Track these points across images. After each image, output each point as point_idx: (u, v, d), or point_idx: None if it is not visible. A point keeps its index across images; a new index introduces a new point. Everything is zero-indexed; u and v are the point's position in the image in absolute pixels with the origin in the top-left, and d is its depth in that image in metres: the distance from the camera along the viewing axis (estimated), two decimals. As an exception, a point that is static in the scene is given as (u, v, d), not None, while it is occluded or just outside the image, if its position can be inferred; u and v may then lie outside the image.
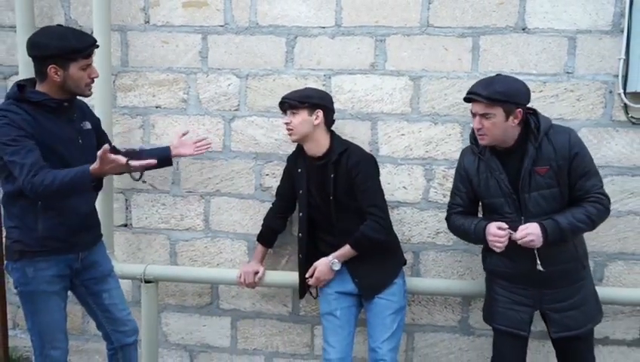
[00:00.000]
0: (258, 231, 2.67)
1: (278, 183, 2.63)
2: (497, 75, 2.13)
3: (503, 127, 2.00)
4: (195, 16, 2.74)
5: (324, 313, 2.42)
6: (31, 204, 2.03)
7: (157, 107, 2.83)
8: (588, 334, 2.15)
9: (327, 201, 2.31)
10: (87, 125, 2.24)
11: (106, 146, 1.93)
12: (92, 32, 2.47)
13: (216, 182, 2.84)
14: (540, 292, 2.10)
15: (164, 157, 2.44)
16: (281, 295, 2.87)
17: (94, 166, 1.92)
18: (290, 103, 2.29)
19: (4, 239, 2.95)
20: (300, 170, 2.40)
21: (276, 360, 2.95)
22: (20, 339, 3.13)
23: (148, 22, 2.78)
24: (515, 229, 2.00)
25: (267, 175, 2.79)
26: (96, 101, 2.61)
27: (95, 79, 2.12)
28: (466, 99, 2.08)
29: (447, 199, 2.62)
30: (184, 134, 2.59)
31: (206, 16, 2.73)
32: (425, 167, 2.67)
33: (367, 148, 2.67)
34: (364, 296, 2.36)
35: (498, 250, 2.03)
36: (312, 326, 2.86)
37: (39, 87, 2.04)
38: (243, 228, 2.85)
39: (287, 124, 2.32)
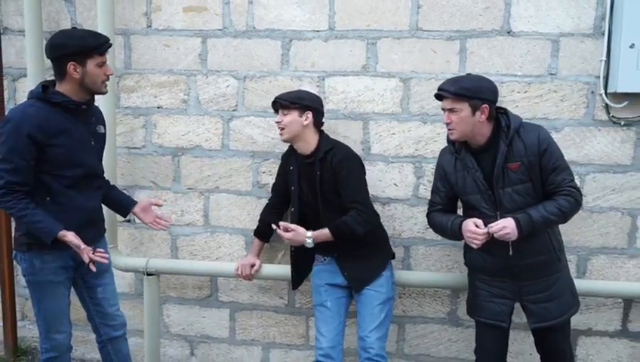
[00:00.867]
0: (255, 227, 2.79)
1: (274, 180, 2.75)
2: (467, 74, 2.24)
3: (470, 121, 2.10)
4: (194, 21, 2.85)
5: (316, 304, 2.53)
6: (39, 199, 2.15)
7: (158, 107, 2.95)
8: (564, 324, 2.25)
9: (316, 197, 2.42)
10: (102, 129, 2.37)
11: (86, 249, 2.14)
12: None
13: (215, 180, 2.95)
14: (518, 284, 2.20)
15: (124, 208, 2.52)
16: (278, 288, 2.97)
17: (64, 234, 2.12)
18: (282, 103, 2.40)
19: (12, 233, 3.11)
20: (292, 168, 2.52)
21: (273, 350, 3.05)
22: (28, 330, 3.25)
23: (150, 26, 2.90)
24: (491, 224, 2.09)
25: (264, 172, 2.90)
26: (100, 102, 2.71)
27: (108, 80, 2.25)
28: (436, 96, 2.19)
29: (436, 196, 2.74)
30: (157, 205, 2.54)
31: (205, 20, 2.84)
32: (415, 164, 2.78)
33: (359, 147, 2.78)
34: (352, 288, 2.46)
35: (475, 246, 2.12)
36: (307, 318, 2.97)
37: (59, 88, 2.17)
38: (241, 224, 2.96)
39: (278, 123, 2.43)
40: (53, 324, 2.30)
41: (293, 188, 2.51)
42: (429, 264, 2.84)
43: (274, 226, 2.38)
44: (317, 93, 2.63)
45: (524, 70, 2.64)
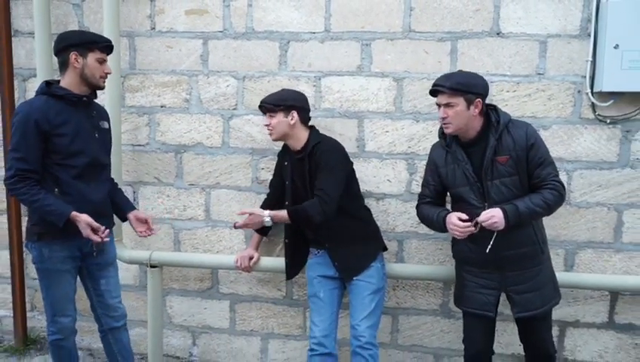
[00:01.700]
0: (254, 221, 2.90)
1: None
2: (459, 70, 2.34)
3: (465, 115, 2.20)
4: (196, 23, 2.96)
5: (310, 295, 2.64)
6: (48, 190, 2.27)
7: (162, 106, 3.06)
8: (546, 315, 2.33)
9: (307, 191, 2.51)
10: (105, 125, 2.50)
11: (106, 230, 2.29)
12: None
13: (216, 176, 3.06)
14: (503, 275, 2.29)
15: (121, 209, 2.61)
16: (276, 280, 3.08)
17: (76, 215, 2.24)
18: (267, 107, 2.50)
19: (23, 227, 3.23)
20: (286, 164, 2.62)
21: (271, 340, 3.16)
22: (38, 320, 3.38)
23: (154, 28, 3.01)
24: (478, 215, 2.18)
25: (262, 169, 3.01)
26: (106, 101, 2.85)
27: (106, 80, 2.40)
28: (431, 92, 2.29)
29: (428, 191, 2.84)
30: (147, 221, 2.56)
31: (206, 22, 2.95)
32: (408, 161, 2.87)
33: (354, 145, 2.89)
34: (342, 278, 2.56)
35: (459, 237, 2.23)
36: (305, 309, 3.07)
37: (62, 83, 2.33)
38: (240, 218, 3.05)
39: (267, 125, 2.54)
40: (59, 309, 2.42)
41: (287, 183, 2.62)
42: (421, 257, 2.93)
43: (235, 224, 2.49)
44: (311, 92, 2.72)
45: (513, 70, 2.73)
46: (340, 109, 2.89)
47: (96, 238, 2.27)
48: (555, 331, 2.86)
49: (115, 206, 2.58)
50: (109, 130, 2.53)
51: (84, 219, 2.25)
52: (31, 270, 3.34)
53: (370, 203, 2.87)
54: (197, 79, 3.00)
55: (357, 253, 2.55)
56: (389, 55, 2.82)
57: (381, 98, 2.85)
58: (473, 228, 2.19)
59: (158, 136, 3.08)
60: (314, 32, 2.86)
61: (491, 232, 2.20)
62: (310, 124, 2.62)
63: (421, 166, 2.85)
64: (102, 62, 2.33)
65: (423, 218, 2.43)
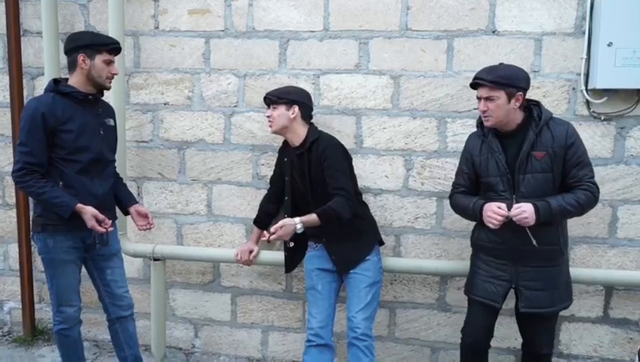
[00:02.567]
0: (254, 216, 2.96)
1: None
2: (500, 63, 2.33)
3: (505, 108, 2.21)
4: (199, 23, 3.03)
5: (308, 288, 2.70)
6: (54, 184, 2.35)
7: (165, 104, 3.14)
8: (551, 316, 2.35)
9: (306, 186, 2.58)
10: (111, 122, 2.58)
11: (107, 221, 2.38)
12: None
13: (217, 171, 3.14)
14: (517, 269, 2.30)
15: (122, 203, 2.68)
16: (276, 274, 3.14)
17: (81, 207, 2.33)
18: (271, 99, 2.58)
19: (30, 223, 3.32)
20: (285, 160, 2.68)
21: (271, 333, 3.22)
22: (45, 312, 3.47)
23: (157, 27, 3.09)
24: (508, 208, 2.19)
25: (263, 165, 3.07)
26: (111, 98, 2.92)
27: (112, 81, 2.47)
28: (472, 85, 2.30)
29: (424, 187, 2.90)
30: (147, 215, 2.63)
31: (208, 22, 3.02)
32: (405, 157, 2.92)
33: (352, 141, 2.94)
34: (339, 271, 2.62)
35: (493, 227, 2.20)
36: (304, 303, 3.13)
37: (70, 81, 2.42)
38: (241, 213, 3.13)
39: (268, 116, 2.60)
40: (64, 298, 2.50)
41: (286, 178, 2.68)
42: (418, 252, 2.98)
43: (264, 238, 2.49)
44: (310, 89, 2.78)
45: (508, 68, 2.77)
46: (339, 106, 2.95)
47: (100, 229, 2.35)
48: (550, 325, 2.91)
49: (118, 200, 2.65)
50: (114, 127, 2.61)
51: (89, 210, 2.34)
52: (39, 263, 3.44)
53: (367, 198, 2.93)
54: (199, 77, 3.08)
55: (354, 246, 2.61)
56: (387, 53, 2.87)
57: (379, 95, 2.90)
58: (505, 219, 2.18)
59: (162, 133, 3.16)
60: (313, 31, 2.92)
61: (518, 227, 2.19)
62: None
63: (418, 162, 2.91)
64: (109, 63, 2.41)
65: (457, 206, 2.43)
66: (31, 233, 2.55)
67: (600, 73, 2.61)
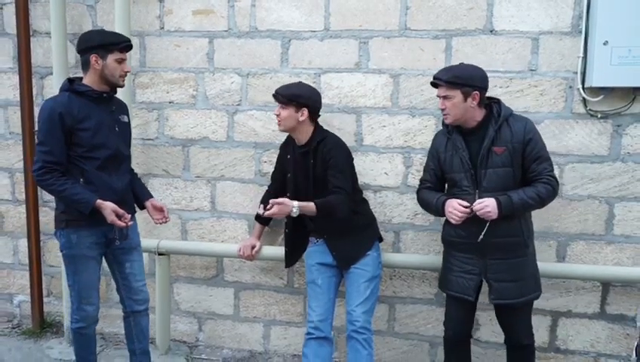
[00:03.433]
0: (256, 212, 3.01)
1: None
2: (460, 63, 2.43)
3: (462, 107, 2.31)
4: (203, 23, 3.10)
5: (308, 282, 2.75)
6: (75, 181, 2.42)
7: (170, 102, 3.21)
8: (523, 306, 2.41)
9: (308, 184, 2.63)
10: (125, 118, 2.65)
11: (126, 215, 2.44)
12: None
13: (221, 168, 3.20)
14: (485, 262, 2.38)
15: (139, 198, 2.74)
16: (278, 269, 3.20)
17: (101, 203, 2.38)
18: (280, 100, 2.60)
19: (40, 217, 3.41)
20: (288, 157, 2.74)
21: (273, 327, 3.29)
22: (54, 305, 3.56)
23: (163, 28, 3.16)
24: (471, 202, 2.29)
25: (265, 162, 3.13)
26: (119, 97, 3.00)
27: (125, 78, 2.52)
28: (432, 84, 2.41)
29: (423, 184, 2.94)
30: (162, 209, 2.68)
31: (212, 22, 3.09)
32: (404, 155, 2.97)
33: (352, 139, 3.00)
34: (340, 266, 2.67)
35: (454, 222, 2.32)
36: (305, 297, 3.17)
37: (84, 81, 2.48)
38: (244, 209, 3.20)
39: (277, 115, 2.64)
40: (85, 296, 2.54)
41: (289, 175, 2.73)
42: (417, 248, 3.03)
43: (260, 211, 2.51)
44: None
45: (505, 66, 2.81)
46: (339, 105, 3.00)
47: (120, 224, 2.41)
48: (547, 321, 2.95)
49: (134, 194, 2.70)
50: (128, 124, 2.67)
51: (109, 205, 2.39)
52: (48, 257, 3.54)
53: (367, 195, 2.98)
54: (203, 76, 3.14)
55: (354, 242, 2.66)
56: (386, 52, 2.92)
57: (378, 94, 2.96)
58: (468, 214, 2.28)
59: (167, 131, 3.23)
60: (314, 31, 2.98)
61: (482, 221, 2.29)
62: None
63: (417, 159, 2.95)
64: (121, 61, 2.46)
65: (422, 201, 2.54)
66: (54, 230, 2.58)
67: (596, 71, 2.65)
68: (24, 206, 3.44)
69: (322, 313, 2.66)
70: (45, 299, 3.55)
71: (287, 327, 3.27)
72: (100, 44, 2.42)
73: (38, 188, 3.26)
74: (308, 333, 2.65)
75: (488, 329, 3.00)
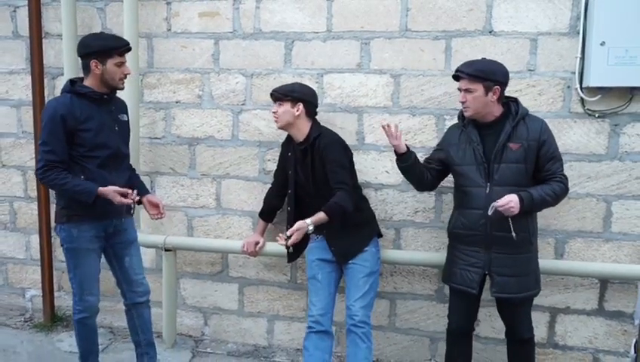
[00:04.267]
0: (260, 209, 3.08)
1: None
2: (482, 58, 2.47)
3: (483, 101, 2.36)
4: (208, 25, 3.18)
5: (309, 277, 2.82)
6: (74, 176, 2.49)
7: (177, 102, 3.29)
8: (523, 301, 2.47)
9: (308, 180, 2.70)
10: (124, 117, 2.73)
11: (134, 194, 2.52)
12: (122, 39, 2.96)
13: (226, 167, 3.28)
14: (490, 256, 2.42)
15: (139, 195, 2.77)
16: (281, 265, 3.27)
17: (102, 189, 2.45)
18: (276, 96, 2.70)
19: (51, 214, 3.50)
20: (289, 154, 2.81)
21: (277, 321, 3.36)
22: (64, 300, 3.66)
23: (170, 29, 3.24)
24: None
25: (269, 160, 3.20)
26: (126, 97, 3.06)
27: (125, 81, 2.60)
28: (454, 77, 2.44)
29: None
30: (158, 205, 2.73)
31: (218, 24, 3.17)
32: (404, 153, 3.03)
33: (354, 138, 3.06)
34: (338, 261, 2.73)
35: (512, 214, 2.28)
36: (308, 293, 3.24)
37: (86, 82, 2.56)
38: (249, 206, 3.27)
39: (274, 112, 2.73)
40: (87, 287, 2.63)
41: (290, 172, 2.80)
42: (417, 245, 3.08)
43: (282, 243, 2.56)
44: (313, 87, 2.90)
45: (504, 67, 2.86)
46: (341, 104, 3.07)
47: (127, 201, 2.49)
48: (546, 317, 2.99)
49: (138, 188, 2.76)
50: (127, 122, 2.75)
51: (110, 189, 2.48)
52: (59, 253, 3.62)
53: (368, 193, 3.04)
54: (209, 77, 3.22)
55: (353, 238, 2.72)
56: (387, 53, 2.98)
57: (379, 94, 3.02)
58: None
59: (173, 130, 3.31)
60: (317, 32, 3.05)
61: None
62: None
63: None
64: (120, 65, 2.53)
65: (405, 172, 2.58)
66: (54, 225, 2.67)
67: (593, 71, 2.69)
68: (36, 203, 3.54)
69: (322, 307, 2.72)
70: (56, 294, 3.66)
71: (291, 322, 3.34)
72: (99, 49, 2.47)
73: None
74: (309, 327, 2.72)
75: (488, 325, 3.05)
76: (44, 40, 3.42)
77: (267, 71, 3.14)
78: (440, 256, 2.95)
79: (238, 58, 3.17)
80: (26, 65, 3.49)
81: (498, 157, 2.37)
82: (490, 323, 3.04)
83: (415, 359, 3.19)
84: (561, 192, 2.37)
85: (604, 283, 2.91)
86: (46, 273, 3.58)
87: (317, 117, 2.82)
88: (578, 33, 2.75)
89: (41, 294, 3.62)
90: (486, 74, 2.34)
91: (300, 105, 2.67)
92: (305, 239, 2.87)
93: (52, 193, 3.54)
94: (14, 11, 3.47)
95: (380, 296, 3.09)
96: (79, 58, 2.57)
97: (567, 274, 2.88)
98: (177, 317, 3.43)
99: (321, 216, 2.58)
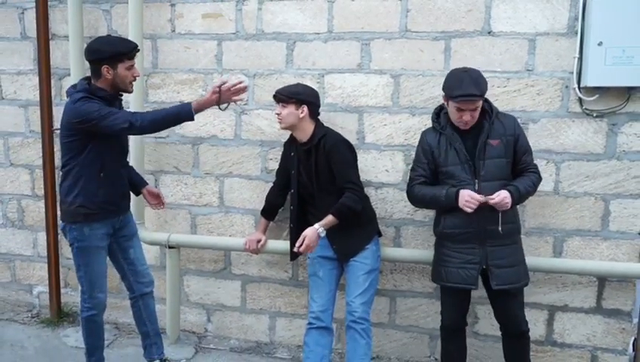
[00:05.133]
0: (262, 207, 3.13)
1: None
2: (467, 71, 2.47)
3: (478, 111, 2.46)
4: (211, 26, 3.23)
5: (310, 274, 2.87)
6: (93, 176, 2.56)
7: (181, 102, 3.33)
8: (517, 292, 2.53)
9: (311, 180, 2.74)
10: None
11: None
12: (127, 41, 3.01)
13: (229, 166, 3.33)
14: (485, 250, 2.47)
15: (136, 186, 2.92)
16: (283, 262, 3.32)
17: (196, 101, 2.50)
18: (280, 98, 2.73)
19: (58, 211, 3.56)
20: (292, 154, 2.85)
21: (279, 318, 3.41)
22: (70, 296, 3.73)
23: (174, 31, 3.30)
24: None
25: (271, 159, 3.25)
26: (131, 97, 3.14)
27: (135, 81, 2.64)
28: (465, 100, 2.38)
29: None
30: (158, 195, 2.95)
31: (221, 25, 3.22)
32: (404, 152, 3.06)
33: (354, 137, 3.10)
34: (339, 259, 2.77)
35: (469, 211, 2.37)
36: (309, 290, 3.29)
37: (96, 84, 2.58)
38: (251, 205, 3.32)
39: (277, 114, 2.76)
40: (97, 285, 2.70)
41: (293, 172, 2.84)
42: (417, 243, 3.12)
43: (295, 250, 2.64)
44: (315, 88, 2.95)
45: (503, 67, 2.88)
46: (342, 104, 3.11)
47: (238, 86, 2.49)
48: (544, 315, 3.02)
49: (131, 184, 2.87)
50: None
51: (206, 96, 2.49)
52: (65, 250, 3.69)
53: (369, 191, 3.08)
54: (212, 77, 3.27)
55: (354, 236, 2.76)
56: (387, 53, 3.02)
57: (379, 94, 3.05)
58: (483, 204, 2.37)
59: (177, 129, 3.36)
60: (318, 33, 3.09)
61: (480, 210, 2.39)
62: (315, 118, 2.84)
63: (417, 157, 3.04)
64: (130, 68, 2.58)
65: (422, 197, 2.56)
66: (62, 225, 2.71)
67: (591, 71, 2.71)
68: (43, 201, 3.61)
69: (323, 303, 2.76)
70: (62, 290, 3.72)
71: (292, 319, 3.38)
72: (110, 55, 2.49)
73: (56, 184, 3.40)
74: (309, 323, 2.77)
75: (487, 322, 3.08)
76: (51, 41, 3.48)
77: (269, 71, 3.18)
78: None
79: (240, 59, 3.22)
80: (33, 66, 3.56)
81: (482, 154, 2.46)
82: (489, 321, 3.06)
83: (414, 356, 3.23)
84: (538, 182, 2.53)
85: (602, 281, 2.94)
86: (53, 270, 3.64)
87: (318, 117, 2.86)
88: (576, 33, 2.78)
89: (48, 290, 3.69)
90: (484, 90, 2.42)
91: (305, 107, 2.70)
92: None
93: (59, 191, 3.60)
94: (22, 13, 3.54)
95: (380, 293, 3.12)
96: (88, 62, 2.60)
97: (566, 272, 2.91)
98: (181, 313, 3.48)
99: (330, 219, 2.63)
